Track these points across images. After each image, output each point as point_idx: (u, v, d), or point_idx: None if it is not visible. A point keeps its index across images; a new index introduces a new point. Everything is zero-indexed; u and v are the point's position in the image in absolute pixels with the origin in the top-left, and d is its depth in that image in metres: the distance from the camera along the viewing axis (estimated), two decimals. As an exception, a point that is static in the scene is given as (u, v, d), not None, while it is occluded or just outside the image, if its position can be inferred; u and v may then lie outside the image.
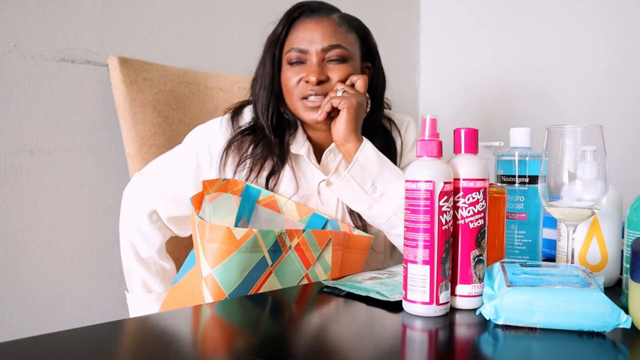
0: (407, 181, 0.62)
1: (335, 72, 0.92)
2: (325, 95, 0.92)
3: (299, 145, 0.96)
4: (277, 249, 0.78)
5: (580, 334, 0.55)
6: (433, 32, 1.85)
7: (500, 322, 0.57)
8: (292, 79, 0.93)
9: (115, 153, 1.16)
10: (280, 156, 0.95)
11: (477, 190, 0.62)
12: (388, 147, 1.01)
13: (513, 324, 0.57)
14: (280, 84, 0.96)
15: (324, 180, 0.94)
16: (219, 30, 1.34)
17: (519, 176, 0.84)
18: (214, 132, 0.98)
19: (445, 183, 0.60)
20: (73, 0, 1.10)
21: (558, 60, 1.51)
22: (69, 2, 1.09)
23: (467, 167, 0.62)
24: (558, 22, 1.51)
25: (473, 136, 0.64)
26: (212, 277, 0.75)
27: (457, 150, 0.64)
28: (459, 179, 0.62)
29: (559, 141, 0.68)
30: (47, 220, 1.08)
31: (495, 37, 1.66)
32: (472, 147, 0.64)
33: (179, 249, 1.12)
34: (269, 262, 0.78)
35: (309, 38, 0.92)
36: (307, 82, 0.92)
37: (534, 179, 0.83)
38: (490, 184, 0.72)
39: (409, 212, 0.61)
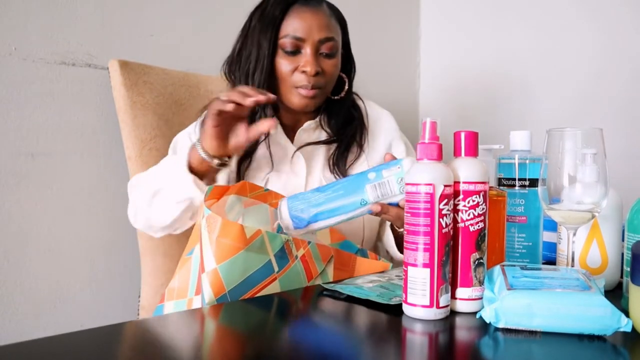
0: (407, 184, 0.62)
1: (326, 66, 0.97)
2: (318, 87, 0.96)
3: None
4: (283, 256, 0.78)
5: (580, 337, 0.55)
6: (433, 35, 1.85)
7: (500, 325, 0.57)
8: (287, 67, 0.95)
9: (115, 156, 1.16)
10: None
11: (477, 193, 0.62)
12: (345, 129, 1.05)
13: (513, 327, 0.57)
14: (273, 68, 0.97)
15: (298, 149, 0.99)
16: (220, 33, 1.34)
17: (519, 179, 0.84)
18: (191, 136, 1.01)
19: (445, 186, 0.60)
20: (74, 3, 1.10)
21: (560, 64, 1.51)
22: (70, 5, 1.10)
23: (467, 170, 0.62)
24: (561, 26, 1.51)
25: (473, 139, 0.64)
26: (216, 272, 0.74)
27: (457, 153, 0.64)
28: (459, 182, 0.62)
29: (559, 144, 0.68)
30: (47, 223, 1.08)
31: (495, 41, 1.66)
32: (472, 150, 0.64)
33: (180, 249, 1.12)
34: (275, 267, 0.77)
35: (307, 27, 0.95)
36: (302, 72, 0.94)
37: (534, 182, 0.83)
38: (491, 187, 0.72)
39: (409, 215, 0.61)
